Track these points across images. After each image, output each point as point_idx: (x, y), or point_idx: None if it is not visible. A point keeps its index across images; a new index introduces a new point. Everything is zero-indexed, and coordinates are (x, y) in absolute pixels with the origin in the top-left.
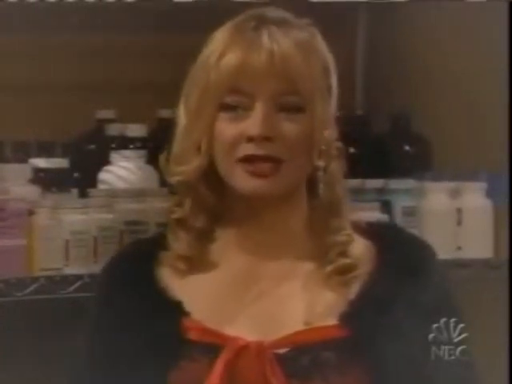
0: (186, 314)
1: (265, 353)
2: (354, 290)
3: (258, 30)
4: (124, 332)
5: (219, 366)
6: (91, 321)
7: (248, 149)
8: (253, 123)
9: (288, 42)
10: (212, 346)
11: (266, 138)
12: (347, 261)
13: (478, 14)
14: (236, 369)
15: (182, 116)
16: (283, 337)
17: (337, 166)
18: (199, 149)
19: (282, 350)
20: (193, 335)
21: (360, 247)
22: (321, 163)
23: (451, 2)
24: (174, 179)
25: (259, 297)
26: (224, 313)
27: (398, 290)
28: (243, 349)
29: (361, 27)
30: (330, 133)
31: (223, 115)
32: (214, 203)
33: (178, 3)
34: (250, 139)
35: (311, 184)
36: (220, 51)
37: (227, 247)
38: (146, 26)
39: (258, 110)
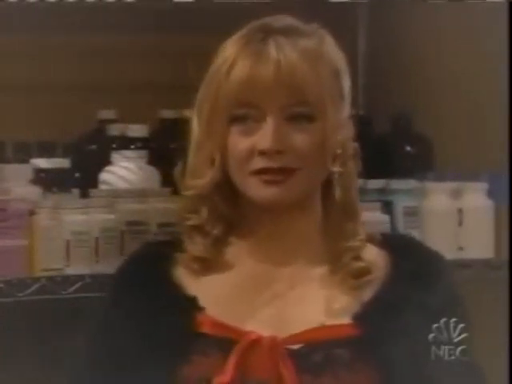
0: (200, 309)
1: (278, 348)
2: (367, 294)
3: (265, 42)
4: (133, 331)
5: (232, 359)
6: (96, 321)
7: (261, 162)
8: (264, 137)
9: (295, 51)
10: (225, 341)
11: (277, 152)
12: (362, 264)
13: (478, 14)
14: (248, 363)
15: (195, 128)
16: (297, 333)
17: (353, 167)
18: (213, 162)
19: (295, 346)
20: (207, 329)
21: (373, 253)
22: (336, 168)
23: (451, 2)
24: (188, 193)
25: (273, 299)
26: (238, 312)
27: (408, 296)
28: (256, 342)
29: (361, 27)
30: (345, 135)
31: (235, 129)
32: (229, 211)
33: (178, 3)
34: (262, 153)
35: (325, 188)
36: (229, 63)
37: (241, 252)
38: (146, 25)
39: (269, 122)
